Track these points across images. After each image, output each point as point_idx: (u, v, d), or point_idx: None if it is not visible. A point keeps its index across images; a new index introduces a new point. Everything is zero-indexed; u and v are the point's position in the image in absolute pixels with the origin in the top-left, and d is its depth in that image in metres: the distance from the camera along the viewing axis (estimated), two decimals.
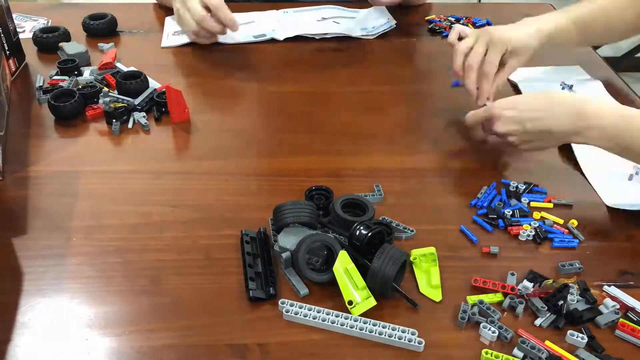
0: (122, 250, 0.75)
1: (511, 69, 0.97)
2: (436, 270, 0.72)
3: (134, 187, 0.86)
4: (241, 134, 0.99)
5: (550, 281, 0.70)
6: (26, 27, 1.31)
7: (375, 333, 0.64)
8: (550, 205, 0.82)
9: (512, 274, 0.71)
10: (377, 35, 1.28)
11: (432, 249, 0.75)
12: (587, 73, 1.14)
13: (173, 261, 0.74)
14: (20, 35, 1.25)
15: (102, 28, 1.26)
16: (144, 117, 0.99)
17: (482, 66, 0.95)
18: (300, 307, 0.66)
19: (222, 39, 1.24)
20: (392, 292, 0.67)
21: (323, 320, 0.64)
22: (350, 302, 0.66)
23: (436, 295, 0.69)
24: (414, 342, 0.63)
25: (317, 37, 1.27)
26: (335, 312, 0.66)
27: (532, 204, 0.82)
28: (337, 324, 0.64)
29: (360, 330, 0.64)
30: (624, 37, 1.10)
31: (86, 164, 0.90)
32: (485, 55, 0.95)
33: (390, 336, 0.63)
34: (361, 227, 0.70)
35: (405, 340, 0.63)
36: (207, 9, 1.14)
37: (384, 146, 0.96)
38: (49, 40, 1.19)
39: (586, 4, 1.03)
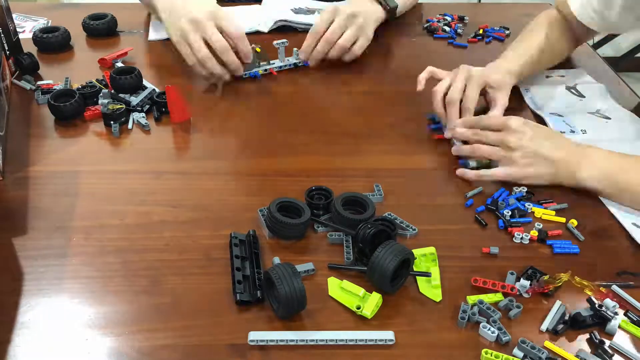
0: (122, 250, 0.75)
1: (502, 104, 0.97)
2: (436, 270, 0.72)
3: (134, 187, 0.86)
4: (241, 134, 0.99)
5: (547, 277, 0.70)
6: (26, 27, 1.31)
7: (356, 342, 0.64)
8: (553, 212, 0.81)
9: (512, 274, 0.71)
10: None
11: (432, 249, 0.75)
12: (590, 75, 1.14)
13: (173, 261, 0.74)
14: (20, 35, 1.25)
15: (102, 28, 1.26)
16: (143, 117, 0.99)
17: (463, 103, 0.95)
18: (272, 339, 0.63)
19: None
20: (391, 286, 0.68)
21: (301, 342, 0.63)
22: (359, 307, 0.67)
23: (436, 295, 0.69)
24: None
25: (299, 29, 1.30)
26: (313, 331, 0.64)
27: (535, 210, 0.82)
28: (316, 342, 0.63)
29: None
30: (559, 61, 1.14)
31: (86, 164, 0.90)
32: (464, 91, 0.96)
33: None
34: (364, 227, 0.71)
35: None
36: (208, 44, 1.04)
37: (384, 146, 0.96)
38: (49, 40, 1.20)
39: (528, 38, 1.08)
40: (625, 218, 0.80)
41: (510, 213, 0.80)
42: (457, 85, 0.96)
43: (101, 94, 1.02)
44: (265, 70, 1.13)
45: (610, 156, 0.83)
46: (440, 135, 0.96)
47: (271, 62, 1.14)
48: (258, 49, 1.10)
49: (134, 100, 1.02)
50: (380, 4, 1.22)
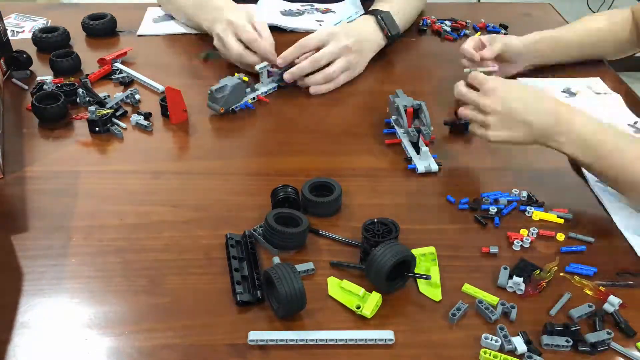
0: (122, 250, 0.75)
1: (496, 43, 1.06)
2: (436, 270, 0.72)
3: (133, 187, 0.86)
4: (241, 134, 0.99)
5: (538, 272, 0.70)
6: (25, 27, 1.31)
7: (356, 342, 0.64)
8: (554, 216, 0.81)
9: (505, 268, 0.71)
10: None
11: (432, 249, 0.75)
12: (591, 76, 1.14)
13: (173, 261, 0.74)
14: (20, 35, 1.25)
15: (102, 28, 1.26)
16: (143, 118, 0.99)
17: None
18: (272, 338, 0.63)
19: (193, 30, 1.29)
20: (388, 286, 0.68)
21: (301, 341, 0.64)
22: (358, 307, 0.67)
23: (436, 294, 0.69)
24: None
25: (288, 30, 1.30)
26: (313, 331, 0.64)
27: (536, 213, 0.81)
28: (316, 342, 0.64)
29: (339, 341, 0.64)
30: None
31: (86, 164, 0.90)
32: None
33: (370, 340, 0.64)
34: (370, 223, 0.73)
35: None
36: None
37: (384, 146, 0.95)
38: (49, 40, 1.20)
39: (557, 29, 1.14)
40: (624, 224, 0.80)
41: (496, 210, 0.81)
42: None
43: (79, 93, 1.01)
44: (254, 98, 1.07)
45: (590, 123, 0.80)
46: (390, 140, 0.96)
47: (255, 86, 1.08)
48: (245, 78, 1.04)
49: (109, 102, 1.02)
50: (382, 29, 1.17)
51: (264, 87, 1.09)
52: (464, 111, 0.90)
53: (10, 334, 0.64)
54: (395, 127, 0.98)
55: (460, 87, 0.91)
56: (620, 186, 0.80)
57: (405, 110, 0.94)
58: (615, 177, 0.78)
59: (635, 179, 0.76)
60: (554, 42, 1.11)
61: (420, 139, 0.93)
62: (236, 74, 1.05)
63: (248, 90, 1.06)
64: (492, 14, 1.39)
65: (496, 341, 0.63)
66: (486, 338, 0.63)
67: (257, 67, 1.06)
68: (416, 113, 0.96)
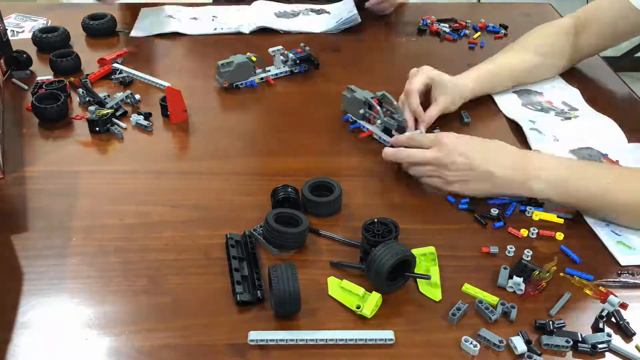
0: (122, 250, 0.75)
1: (442, 102, 0.97)
2: (436, 270, 0.72)
3: (133, 187, 0.86)
4: (241, 134, 0.99)
5: (537, 272, 0.70)
6: (25, 27, 1.31)
7: (356, 342, 0.64)
8: (554, 216, 0.81)
9: (505, 268, 0.71)
10: (341, 30, 1.32)
11: (432, 249, 0.75)
12: (588, 74, 1.14)
13: (172, 261, 0.74)
14: (20, 35, 1.25)
15: (102, 28, 1.27)
16: (143, 118, 0.99)
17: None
18: (272, 337, 0.63)
19: (186, 30, 1.29)
20: (388, 286, 0.68)
21: (301, 341, 0.64)
22: (358, 307, 0.67)
23: (436, 294, 0.69)
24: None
25: (281, 32, 1.30)
26: (313, 331, 0.64)
27: (536, 213, 0.81)
28: (316, 342, 0.64)
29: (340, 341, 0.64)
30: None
31: (85, 164, 0.91)
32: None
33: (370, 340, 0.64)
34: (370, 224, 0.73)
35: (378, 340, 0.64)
36: None
37: (384, 146, 0.95)
38: (49, 40, 1.20)
39: (501, 57, 1.08)
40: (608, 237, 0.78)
41: (497, 212, 0.81)
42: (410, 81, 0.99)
43: (80, 93, 1.02)
44: (262, 79, 1.11)
45: (559, 163, 0.80)
46: (363, 134, 0.97)
47: (267, 69, 1.12)
48: (254, 58, 1.08)
49: (110, 102, 1.02)
50: None
51: (275, 70, 1.13)
52: (414, 170, 0.85)
53: (10, 334, 0.64)
54: (360, 121, 0.99)
55: (401, 150, 0.86)
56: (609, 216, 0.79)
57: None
58: (601, 209, 0.78)
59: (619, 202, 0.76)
60: (493, 81, 1.06)
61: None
62: (248, 53, 1.09)
63: (259, 71, 1.11)
64: (492, 14, 1.40)
65: (475, 346, 0.63)
66: (466, 341, 0.63)
67: (270, 50, 1.10)
68: (379, 103, 0.97)
